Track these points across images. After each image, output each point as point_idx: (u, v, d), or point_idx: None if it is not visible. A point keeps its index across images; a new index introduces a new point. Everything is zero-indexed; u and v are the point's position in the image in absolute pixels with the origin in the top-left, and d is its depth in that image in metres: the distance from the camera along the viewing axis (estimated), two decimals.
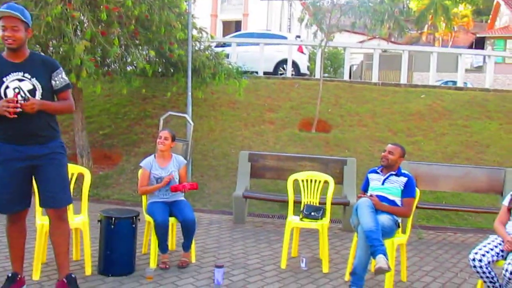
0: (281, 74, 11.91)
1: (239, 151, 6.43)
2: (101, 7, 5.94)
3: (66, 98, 3.03)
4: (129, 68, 7.10)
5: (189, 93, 7.21)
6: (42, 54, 3.21)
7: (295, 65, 12.06)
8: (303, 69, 12.58)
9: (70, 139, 7.73)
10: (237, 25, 21.72)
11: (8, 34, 2.76)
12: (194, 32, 7.79)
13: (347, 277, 3.72)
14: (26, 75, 2.84)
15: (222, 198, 6.53)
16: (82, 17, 6.00)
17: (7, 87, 2.80)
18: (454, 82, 13.81)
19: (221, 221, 5.61)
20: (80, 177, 3.84)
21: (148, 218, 3.93)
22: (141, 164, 4.05)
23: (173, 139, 4.09)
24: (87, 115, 8.31)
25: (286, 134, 8.39)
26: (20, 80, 2.82)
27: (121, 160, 7.66)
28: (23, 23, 2.80)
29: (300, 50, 12.44)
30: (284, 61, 11.87)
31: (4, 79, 2.80)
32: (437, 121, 9.03)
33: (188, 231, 3.85)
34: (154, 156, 4.10)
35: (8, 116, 2.69)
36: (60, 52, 6.13)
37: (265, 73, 11.34)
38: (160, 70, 8.02)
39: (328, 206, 4.21)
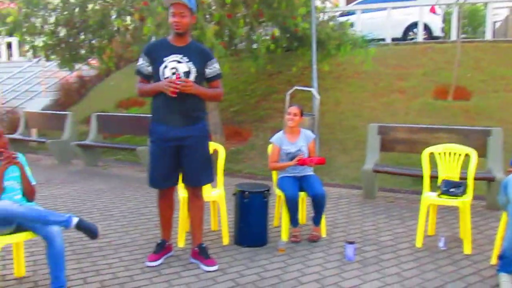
0: (411, 39, 11.10)
1: (367, 123, 6.19)
2: None
3: (217, 87, 3.26)
4: (255, 46, 7.27)
5: (314, 66, 7.13)
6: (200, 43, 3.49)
7: (427, 28, 11.13)
8: (436, 31, 11.53)
9: None
10: None
11: (176, 20, 3.00)
12: (317, 2, 7.63)
13: (493, 261, 3.39)
14: (185, 58, 3.07)
15: (351, 172, 6.41)
16: (210, 1, 6.27)
17: (165, 66, 3.05)
18: None
19: (350, 196, 5.53)
20: (216, 152, 4.08)
21: (278, 192, 4.03)
22: (271, 140, 4.15)
23: (301, 114, 4.10)
24: None
25: (418, 103, 7.85)
26: (178, 62, 3.06)
27: (251, 135, 7.96)
28: (189, 9, 3.03)
29: (433, 10, 11.39)
30: (415, 25, 11.02)
31: (165, 58, 3.05)
32: None
33: (318, 205, 3.87)
34: (283, 131, 4.16)
35: (168, 94, 2.97)
36: (192, 37, 6.49)
37: (393, 39, 10.67)
38: (284, 45, 8.06)
39: (471, 182, 3.85)
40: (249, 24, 6.77)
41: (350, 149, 6.99)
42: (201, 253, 3.33)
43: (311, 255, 3.59)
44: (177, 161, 3.21)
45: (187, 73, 3.06)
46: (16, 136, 8.52)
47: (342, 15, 10.84)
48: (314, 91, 6.94)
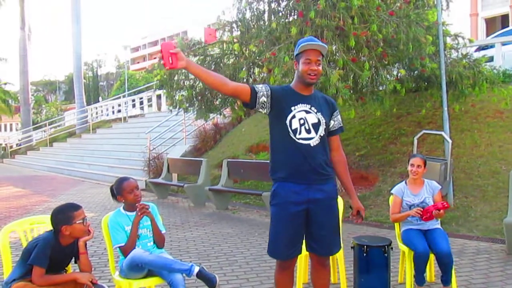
0: None
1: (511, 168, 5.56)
2: (350, 35, 6.17)
3: (338, 141, 2.96)
4: (381, 89, 7.11)
5: (445, 108, 6.69)
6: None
7: None
8: None
9: None
10: (504, 20, 19.03)
11: (314, 68, 2.71)
12: (448, 40, 7.24)
13: None
14: (313, 108, 2.79)
15: (491, 223, 5.74)
16: (333, 48, 6.37)
17: (293, 116, 2.75)
18: None
19: (490, 251, 4.93)
20: None
21: (402, 247, 3.80)
22: (392, 191, 3.98)
23: (425, 164, 3.89)
24: (343, 138, 8.72)
25: None
26: (307, 112, 2.77)
27: (378, 181, 7.68)
28: (323, 57, 2.81)
29: None
30: None
31: (292, 108, 2.76)
32: None
33: (443, 264, 3.55)
34: (405, 182, 3.97)
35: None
36: (318, 84, 6.62)
37: None
38: (412, 85, 7.74)
39: None
40: (373, 67, 6.68)
41: (491, 197, 6.29)
42: None
43: None
44: (303, 227, 2.80)
45: (317, 125, 2.75)
46: (159, 180, 9.53)
47: (478, 49, 10.08)
48: (445, 134, 6.48)
